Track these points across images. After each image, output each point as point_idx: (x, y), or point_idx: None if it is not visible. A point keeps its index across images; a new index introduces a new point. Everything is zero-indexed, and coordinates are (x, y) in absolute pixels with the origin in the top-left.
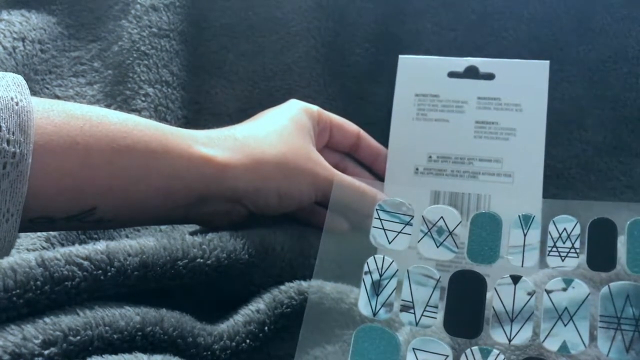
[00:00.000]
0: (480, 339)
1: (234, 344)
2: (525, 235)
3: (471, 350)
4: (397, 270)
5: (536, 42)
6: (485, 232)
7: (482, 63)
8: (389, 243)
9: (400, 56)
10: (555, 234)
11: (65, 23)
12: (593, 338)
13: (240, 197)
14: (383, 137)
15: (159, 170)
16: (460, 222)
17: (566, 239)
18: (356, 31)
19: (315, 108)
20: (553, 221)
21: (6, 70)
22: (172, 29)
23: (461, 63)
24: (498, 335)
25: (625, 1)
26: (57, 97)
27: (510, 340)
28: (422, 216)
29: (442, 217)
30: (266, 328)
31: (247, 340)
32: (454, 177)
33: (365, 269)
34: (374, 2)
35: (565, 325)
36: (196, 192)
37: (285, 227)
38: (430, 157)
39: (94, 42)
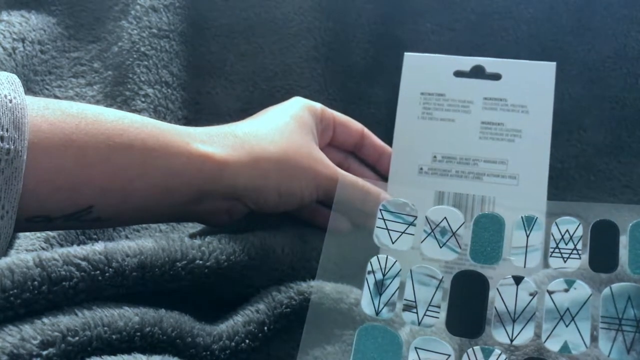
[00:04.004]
0: (482, 339)
1: (233, 344)
2: (528, 237)
3: (473, 349)
4: (400, 270)
5: (536, 42)
6: (488, 233)
7: (488, 63)
8: (392, 243)
9: (405, 54)
10: (557, 235)
11: (65, 24)
12: (594, 339)
13: (239, 195)
14: (383, 137)
15: (157, 168)
16: (464, 222)
17: (568, 241)
18: (356, 31)
19: (318, 105)
20: (555, 222)
21: (5, 71)
22: (172, 29)
23: (467, 62)
24: (500, 335)
25: (625, 1)
26: (57, 98)
27: (512, 340)
28: (426, 217)
29: (445, 217)
30: (265, 328)
31: (247, 341)
32: (458, 177)
33: (369, 268)
34: (374, 2)
35: (566, 326)
36: (195, 190)
37: (286, 229)
38: (435, 157)
39: (93, 42)
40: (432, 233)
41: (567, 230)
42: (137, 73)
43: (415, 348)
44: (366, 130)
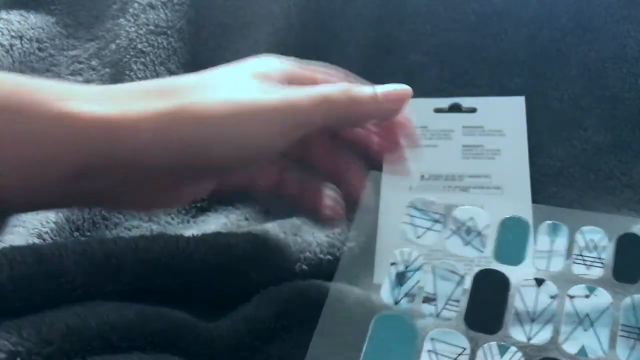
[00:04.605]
0: (499, 336)
1: (234, 343)
2: (552, 242)
3: (489, 345)
4: (424, 264)
5: (535, 42)
6: (512, 235)
7: (464, 100)
8: (417, 238)
9: None
10: (581, 244)
11: (63, 22)
12: (612, 346)
13: (163, 160)
14: None
15: (20, 134)
16: (490, 224)
17: (592, 249)
18: (354, 31)
19: (291, 64)
20: (580, 231)
21: (2, 68)
22: (169, 26)
23: (445, 101)
24: (517, 334)
25: (624, 2)
26: None
27: (529, 340)
28: (453, 215)
29: (472, 217)
30: (266, 327)
31: (247, 340)
32: (446, 191)
33: (393, 259)
34: (373, 2)
35: (585, 331)
36: (78, 161)
37: (279, 222)
38: (422, 176)
39: (92, 41)
40: (457, 231)
41: (591, 240)
42: (134, 70)
43: (432, 339)
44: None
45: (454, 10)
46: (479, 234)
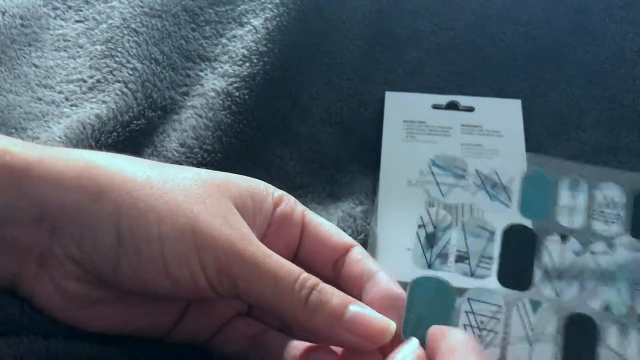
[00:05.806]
0: (531, 292)
1: None
2: (574, 198)
3: (522, 302)
4: (452, 222)
5: (534, 43)
6: (536, 189)
7: (462, 99)
8: (443, 196)
9: (386, 92)
10: (600, 200)
11: (52, 5)
12: (633, 300)
13: (50, 219)
14: (372, 137)
15: None
16: (513, 177)
17: (611, 206)
18: (350, 27)
19: (273, 194)
20: (599, 187)
21: None
22: (164, 10)
23: (443, 98)
24: (546, 290)
25: (622, 3)
26: (35, 66)
27: (557, 296)
28: (476, 170)
29: (495, 170)
30: None
31: None
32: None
33: (420, 222)
34: None
35: (607, 286)
36: None
37: None
38: (421, 172)
39: (80, 22)
40: (483, 186)
41: (609, 196)
42: (126, 47)
43: (468, 299)
44: (357, 249)
45: (453, 10)
46: (505, 187)
